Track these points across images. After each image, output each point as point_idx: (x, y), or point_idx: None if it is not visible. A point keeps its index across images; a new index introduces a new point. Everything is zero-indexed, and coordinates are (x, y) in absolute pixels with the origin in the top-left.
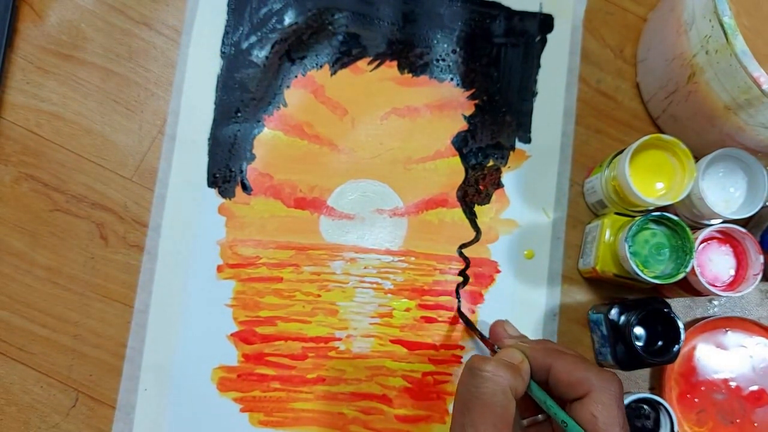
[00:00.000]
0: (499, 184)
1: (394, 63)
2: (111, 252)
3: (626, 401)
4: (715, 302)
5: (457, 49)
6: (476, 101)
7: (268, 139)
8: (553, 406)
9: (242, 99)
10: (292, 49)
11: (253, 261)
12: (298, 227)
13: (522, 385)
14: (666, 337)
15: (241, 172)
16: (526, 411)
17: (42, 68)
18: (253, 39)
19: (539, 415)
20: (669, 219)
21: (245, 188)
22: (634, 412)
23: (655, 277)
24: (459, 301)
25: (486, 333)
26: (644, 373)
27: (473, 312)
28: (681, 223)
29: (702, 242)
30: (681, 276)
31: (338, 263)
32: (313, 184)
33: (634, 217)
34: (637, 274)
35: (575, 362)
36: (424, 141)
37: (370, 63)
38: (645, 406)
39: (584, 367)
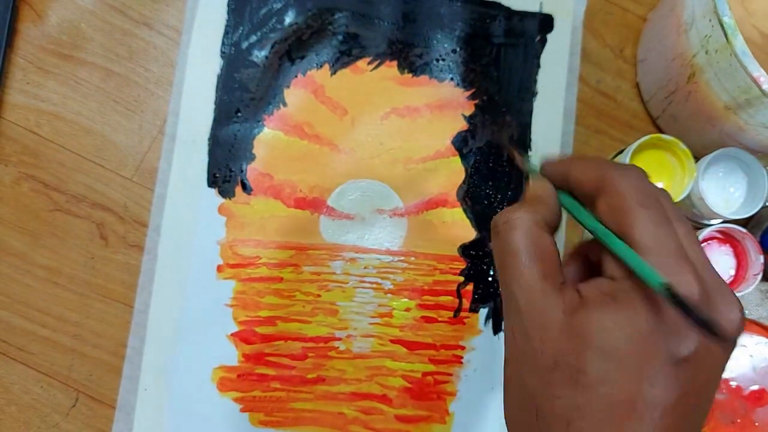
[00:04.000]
0: None
1: (394, 63)
2: (111, 252)
3: None
4: None
5: (457, 49)
6: (476, 101)
7: (268, 139)
8: (578, 212)
9: (242, 99)
10: (292, 49)
11: (253, 261)
12: (298, 227)
13: (550, 213)
14: None
15: (241, 172)
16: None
17: (42, 68)
18: (253, 39)
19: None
20: None
21: (245, 188)
22: None
23: None
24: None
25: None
26: None
27: (476, 312)
28: None
29: (702, 242)
30: None
31: (338, 263)
32: (313, 184)
33: None
34: None
35: (593, 160)
36: (424, 141)
37: (370, 63)
38: None
39: (601, 162)
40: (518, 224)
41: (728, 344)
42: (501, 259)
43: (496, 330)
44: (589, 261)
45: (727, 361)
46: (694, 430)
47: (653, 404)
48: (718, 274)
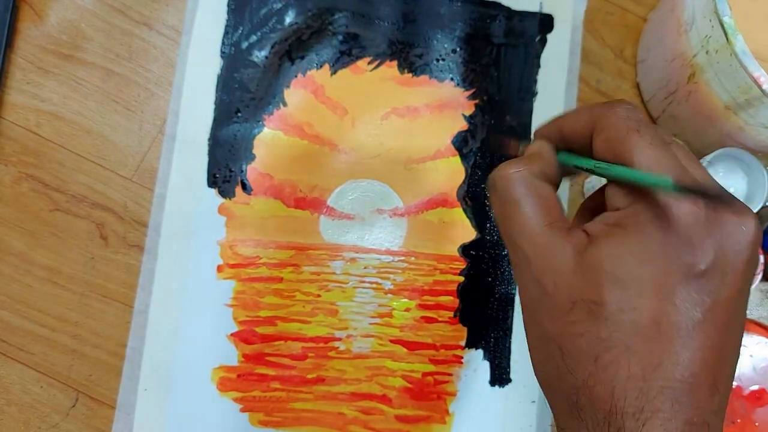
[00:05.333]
0: None
1: (394, 63)
2: (111, 252)
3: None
4: None
5: (457, 49)
6: (476, 101)
7: (268, 139)
8: (575, 159)
9: (242, 99)
10: (292, 49)
11: (253, 261)
12: (298, 227)
13: (549, 166)
14: None
15: (241, 172)
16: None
17: (42, 68)
18: (253, 39)
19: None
20: None
21: (245, 188)
22: None
23: None
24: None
25: None
26: None
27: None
28: None
29: None
30: None
31: (338, 263)
32: (313, 184)
33: None
34: None
35: (581, 107)
36: (424, 141)
37: (370, 63)
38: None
39: (589, 106)
40: (517, 177)
41: (751, 239)
42: (502, 211)
43: None
44: (595, 214)
45: (754, 265)
46: (732, 343)
47: (680, 323)
48: (724, 189)
